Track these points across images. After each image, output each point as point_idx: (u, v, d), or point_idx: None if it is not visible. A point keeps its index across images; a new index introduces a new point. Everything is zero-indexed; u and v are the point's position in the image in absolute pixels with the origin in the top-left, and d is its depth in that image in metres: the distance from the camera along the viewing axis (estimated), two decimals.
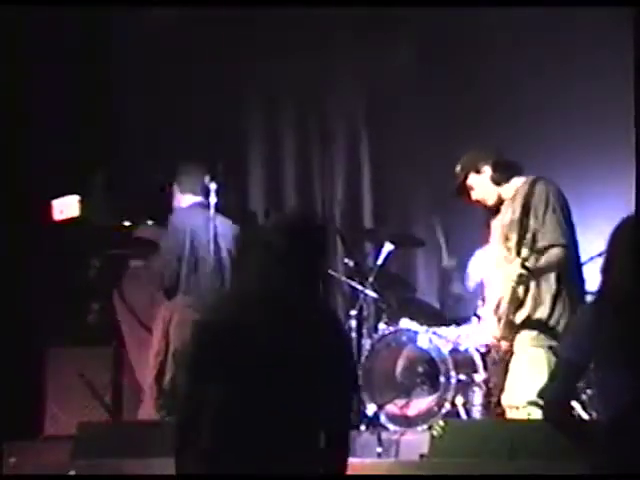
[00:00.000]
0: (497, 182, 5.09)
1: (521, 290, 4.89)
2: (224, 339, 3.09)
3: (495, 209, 5.14)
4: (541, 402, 4.62)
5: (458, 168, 5.16)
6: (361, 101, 7.60)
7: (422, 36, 7.43)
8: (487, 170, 5.08)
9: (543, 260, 4.84)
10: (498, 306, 5.06)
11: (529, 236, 4.77)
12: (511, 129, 6.77)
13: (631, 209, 6.23)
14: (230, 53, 7.44)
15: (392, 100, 7.43)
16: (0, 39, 6.73)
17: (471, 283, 6.59)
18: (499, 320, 5.01)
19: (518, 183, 5.05)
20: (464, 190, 5.16)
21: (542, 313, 4.95)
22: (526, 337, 4.94)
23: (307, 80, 7.48)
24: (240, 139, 7.71)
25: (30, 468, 5.40)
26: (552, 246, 4.86)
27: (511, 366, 4.97)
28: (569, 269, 4.98)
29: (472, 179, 5.12)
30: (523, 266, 4.73)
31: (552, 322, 4.92)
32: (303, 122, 7.72)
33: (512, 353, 4.98)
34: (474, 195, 5.16)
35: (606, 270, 3.30)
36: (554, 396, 3.32)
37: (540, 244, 4.81)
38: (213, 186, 6.12)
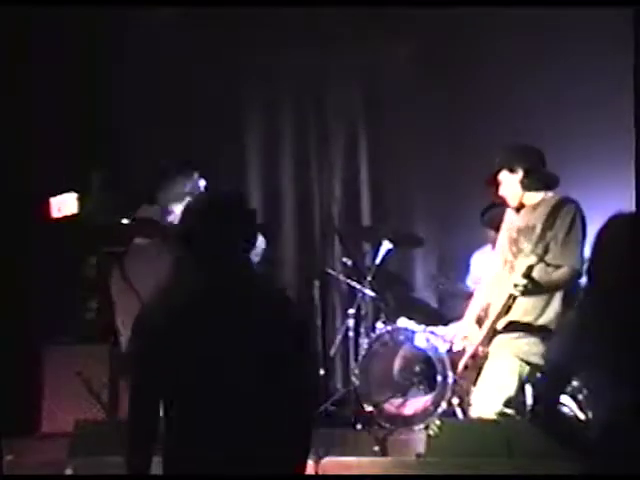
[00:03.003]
0: (525, 188, 4.98)
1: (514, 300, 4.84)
2: (169, 332, 3.05)
3: (516, 210, 5.10)
4: (508, 411, 4.63)
5: (497, 160, 5.06)
6: (360, 100, 7.61)
7: (422, 36, 7.44)
8: (520, 172, 4.99)
9: (552, 277, 4.76)
10: (485, 310, 5.02)
11: (539, 250, 4.72)
12: (510, 129, 6.77)
13: (630, 210, 6.26)
14: (229, 52, 7.46)
15: (391, 99, 7.44)
16: (0, 39, 6.74)
17: (471, 282, 6.57)
18: (480, 324, 4.97)
19: (546, 195, 4.97)
20: (494, 182, 5.09)
21: (529, 318, 4.85)
22: (503, 344, 4.86)
23: (306, 79, 7.50)
24: (239, 137, 7.72)
25: (27, 466, 5.39)
26: (565, 267, 4.78)
27: (483, 373, 4.88)
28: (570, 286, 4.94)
29: (504, 175, 5.03)
30: (527, 276, 4.66)
31: (535, 330, 4.84)
32: (302, 121, 7.73)
33: (487, 359, 4.93)
34: (501, 190, 5.07)
35: (593, 272, 3.28)
36: (538, 397, 3.30)
37: (551, 261, 4.76)
38: (202, 183, 6.14)
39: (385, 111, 7.49)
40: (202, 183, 6.15)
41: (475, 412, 4.89)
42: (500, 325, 4.87)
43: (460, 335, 5.05)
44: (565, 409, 5.10)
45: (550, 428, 3.29)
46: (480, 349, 4.90)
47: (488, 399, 4.78)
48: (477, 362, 4.92)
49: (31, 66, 7.05)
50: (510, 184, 5.03)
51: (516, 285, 4.68)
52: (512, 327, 4.86)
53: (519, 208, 5.03)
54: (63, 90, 7.10)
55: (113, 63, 7.50)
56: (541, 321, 4.83)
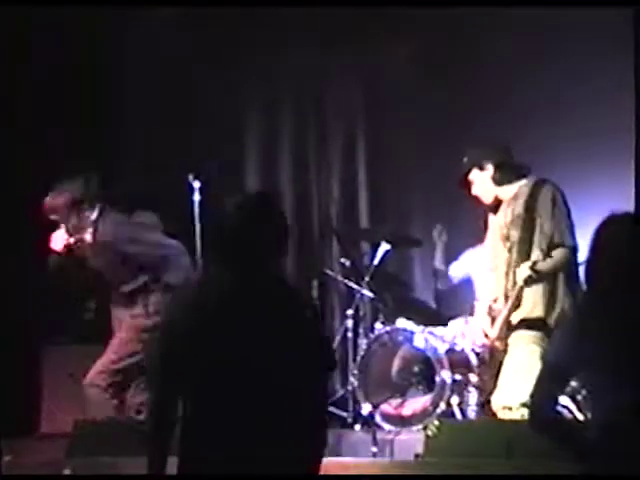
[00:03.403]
0: (498, 183, 5.07)
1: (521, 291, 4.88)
2: (194, 334, 3.09)
3: (493, 208, 5.13)
4: None
5: (465, 159, 5.13)
6: (358, 100, 7.61)
7: (422, 36, 7.43)
8: (490, 168, 5.06)
9: (551, 261, 4.83)
10: (491, 306, 5.04)
11: (536, 236, 4.76)
12: (510, 129, 6.76)
13: (629, 210, 6.25)
14: (228, 52, 7.46)
15: (390, 99, 7.43)
16: (0, 39, 6.75)
17: (454, 280, 6.59)
18: (493, 320, 4.99)
19: (520, 183, 5.04)
20: (466, 183, 5.15)
21: (540, 312, 4.93)
22: (522, 336, 4.92)
23: (305, 79, 7.50)
24: (237, 137, 7.72)
25: (26, 466, 5.40)
26: (560, 246, 4.86)
27: (504, 366, 4.95)
28: (570, 269, 4.97)
29: (474, 174, 5.10)
30: (532, 269, 4.73)
31: (549, 321, 4.90)
32: (300, 121, 7.73)
33: (506, 352, 4.95)
34: (473, 190, 5.14)
35: (591, 272, 3.27)
36: (536, 401, 3.29)
37: (548, 243, 4.81)
38: (197, 184, 6.14)
39: (384, 111, 7.48)
40: (197, 184, 6.15)
41: (500, 403, 4.92)
42: (515, 319, 4.93)
43: (475, 331, 5.09)
44: (564, 410, 5.11)
45: (550, 434, 3.28)
46: (497, 343, 4.93)
47: (513, 390, 4.82)
48: (496, 357, 4.95)
49: (31, 66, 7.05)
50: (482, 182, 5.10)
51: (524, 278, 4.75)
52: (526, 323, 4.92)
53: (497, 206, 5.06)
54: (63, 90, 7.10)
55: (113, 63, 7.51)
56: (551, 316, 4.88)
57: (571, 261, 4.91)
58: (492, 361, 5.02)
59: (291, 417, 3.08)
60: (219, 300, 3.12)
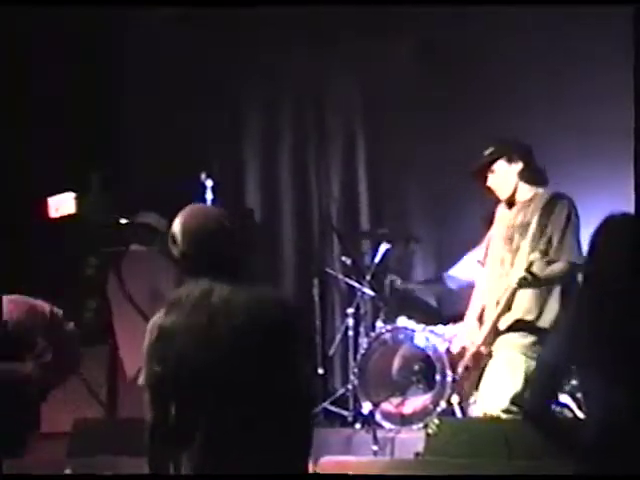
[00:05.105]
0: (525, 180, 4.97)
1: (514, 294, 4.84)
2: (174, 346, 3.11)
3: (505, 204, 5.08)
4: (514, 409, 4.63)
5: (489, 150, 5.01)
6: (359, 99, 7.62)
7: (423, 35, 7.44)
8: (519, 164, 4.96)
9: (549, 268, 4.77)
10: (483, 309, 5.01)
11: (541, 245, 4.71)
12: (509, 129, 6.75)
13: (627, 211, 6.25)
14: (228, 52, 7.47)
15: (390, 99, 7.44)
16: (0, 39, 6.76)
17: (456, 283, 6.58)
18: (482, 324, 4.97)
19: (538, 190, 4.98)
20: (484, 171, 5.03)
21: (528, 320, 4.85)
22: (507, 342, 4.86)
23: (305, 78, 7.51)
24: (237, 137, 7.73)
25: (26, 465, 5.39)
26: (563, 261, 4.78)
27: (487, 371, 4.88)
28: (567, 283, 4.93)
29: (500, 165, 4.98)
30: (528, 270, 4.68)
31: (537, 329, 4.83)
32: (300, 120, 7.74)
33: (490, 357, 4.91)
34: (491, 180, 5.01)
35: (588, 273, 3.28)
36: (531, 398, 3.30)
37: (552, 257, 4.76)
38: (209, 183, 6.13)
39: (387, 110, 7.49)
40: (209, 183, 6.15)
41: (480, 410, 4.88)
42: (502, 324, 4.87)
43: (462, 336, 5.06)
44: (563, 408, 5.11)
45: (541, 429, 3.29)
46: (482, 349, 4.90)
47: (494, 396, 4.78)
48: (479, 362, 4.92)
49: (31, 66, 7.06)
50: (507, 175, 4.98)
51: (519, 278, 4.68)
52: (515, 326, 4.86)
53: (511, 204, 5.01)
54: (63, 90, 7.11)
55: (113, 63, 7.52)
56: (541, 320, 4.84)
57: (570, 277, 4.83)
58: (476, 366, 4.96)
59: (274, 420, 3.08)
60: (192, 312, 3.12)
